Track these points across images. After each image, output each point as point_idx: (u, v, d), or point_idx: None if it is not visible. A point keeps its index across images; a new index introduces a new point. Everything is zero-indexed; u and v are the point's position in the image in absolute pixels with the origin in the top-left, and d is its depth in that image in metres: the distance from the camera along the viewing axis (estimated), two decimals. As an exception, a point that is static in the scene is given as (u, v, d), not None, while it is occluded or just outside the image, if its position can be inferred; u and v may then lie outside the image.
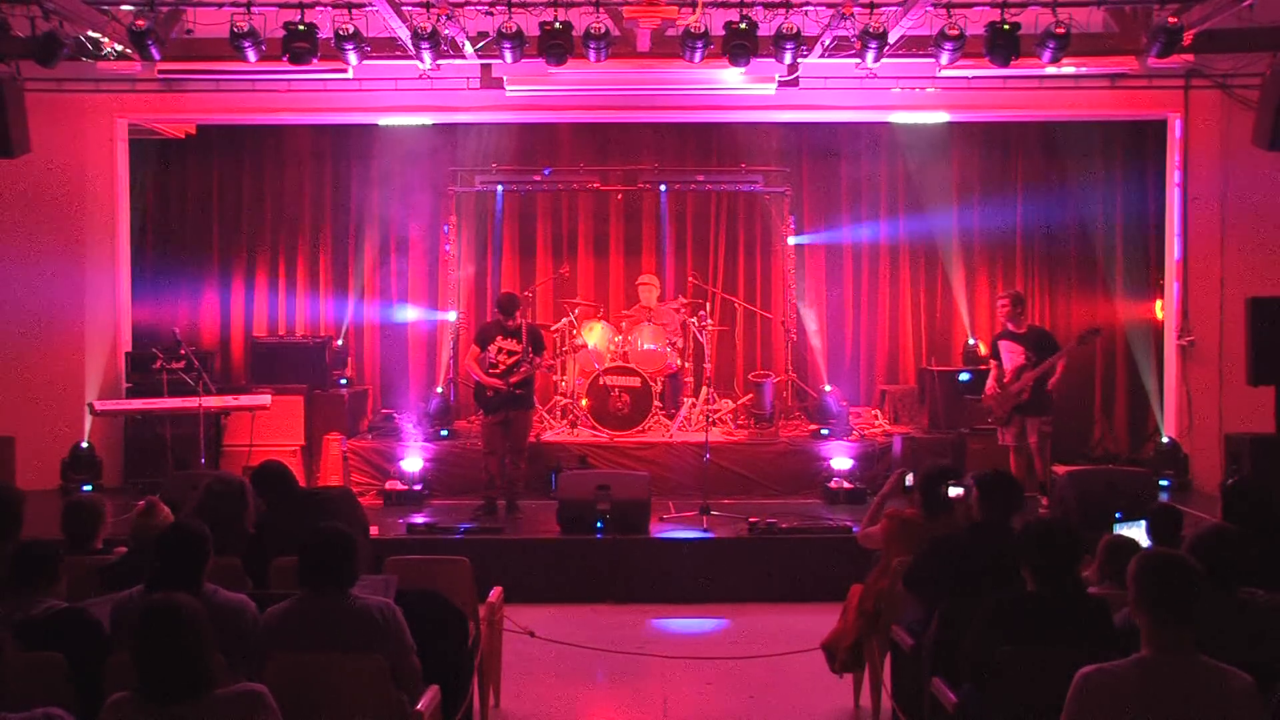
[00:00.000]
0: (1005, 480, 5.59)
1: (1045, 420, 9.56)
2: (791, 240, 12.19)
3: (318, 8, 8.72)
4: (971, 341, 12.05)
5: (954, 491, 5.96)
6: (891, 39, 8.79)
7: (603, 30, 8.57)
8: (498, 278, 12.64)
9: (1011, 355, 9.60)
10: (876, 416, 12.06)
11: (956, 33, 8.57)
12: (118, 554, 5.58)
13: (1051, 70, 9.69)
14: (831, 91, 10.69)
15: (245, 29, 8.51)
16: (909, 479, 6.39)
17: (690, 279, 12.17)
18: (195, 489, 5.91)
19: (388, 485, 10.26)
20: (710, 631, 8.03)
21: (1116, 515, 6.23)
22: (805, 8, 8.80)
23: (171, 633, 3.45)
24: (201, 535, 4.42)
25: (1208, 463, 10.64)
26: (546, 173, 12.23)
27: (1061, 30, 8.55)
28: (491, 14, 8.83)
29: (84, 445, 10.70)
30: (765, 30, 8.83)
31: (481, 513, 9.50)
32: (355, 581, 4.42)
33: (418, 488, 10.18)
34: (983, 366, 11.33)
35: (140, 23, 8.50)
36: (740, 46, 8.69)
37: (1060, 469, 9.44)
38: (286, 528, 5.51)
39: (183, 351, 10.22)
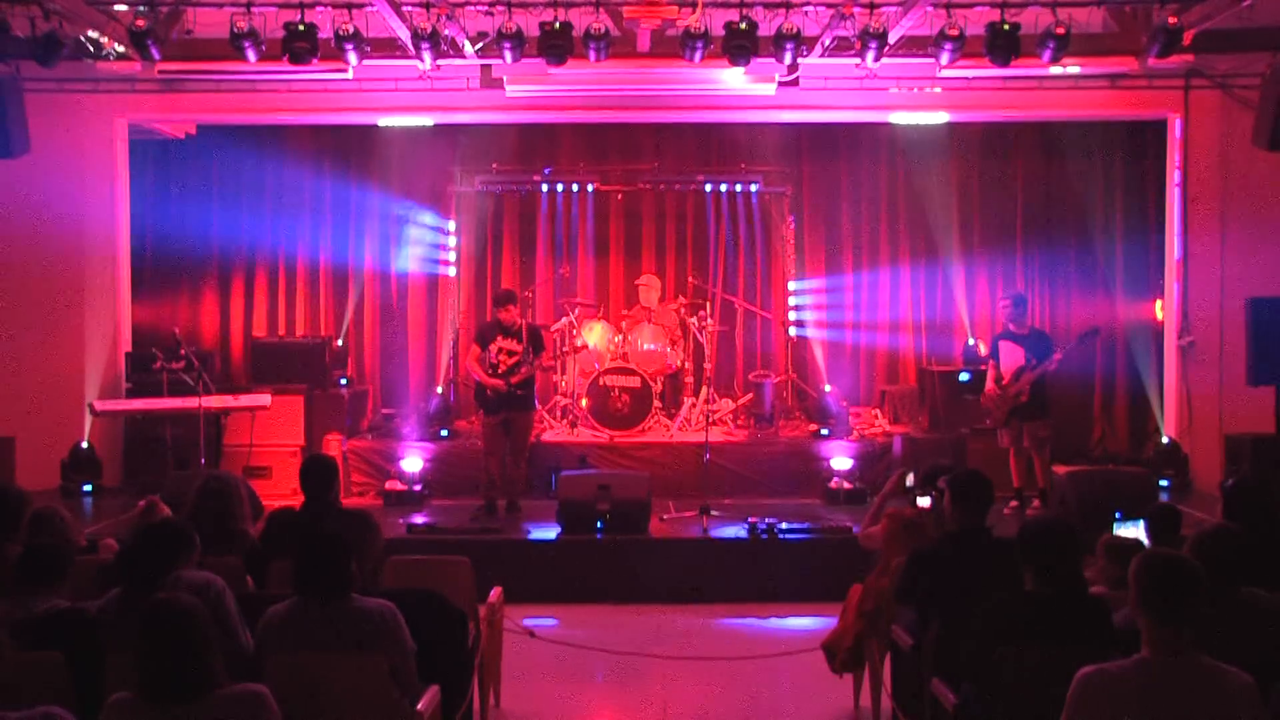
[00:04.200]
0: (978, 481, 5.43)
1: (1042, 424, 9.53)
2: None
3: (318, 8, 8.72)
4: (971, 341, 12.03)
5: (922, 502, 5.90)
6: (891, 39, 8.79)
7: (603, 30, 8.57)
8: (498, 278, 12.63)
9: (1011, 356, 9.58)
10: (876, 416, 12.04)
11: (956, 33, 8.58)
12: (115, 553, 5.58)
13: (1051, 70, 9.68)
14: (831, 91, 10.67)
15: (245, 29, 8.51)
16: (909, 479, 6.38)
17: (690, 279, 12.17)
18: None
19: (388, 485, 10.25)
20: (710, 631, 8.02)
21: (1116, 515, 6.22)
22: (805, 8, 8.80)
23: (174, 633, 3.45)
24: (175, 535, 4.44)
25: (1208, 463, 10.62)
26: (546, 173, 12.23)
27: (1061, 30, 8.54)
28: (491, 14, 8.83)
29: (84, 445, 10.70)
30: (765, 30, 8.82)
31: (481, 513, 9.50)
32: (351, 586, 4.38)
33: (418, 488, 10.17)
34: (983, 367, 11.34)
35: (140, 23, 8.50)
36: (740, 46, 8.69)
37: (1060, 469, 9.43)
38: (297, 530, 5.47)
39: (183, 351, 10.20)
